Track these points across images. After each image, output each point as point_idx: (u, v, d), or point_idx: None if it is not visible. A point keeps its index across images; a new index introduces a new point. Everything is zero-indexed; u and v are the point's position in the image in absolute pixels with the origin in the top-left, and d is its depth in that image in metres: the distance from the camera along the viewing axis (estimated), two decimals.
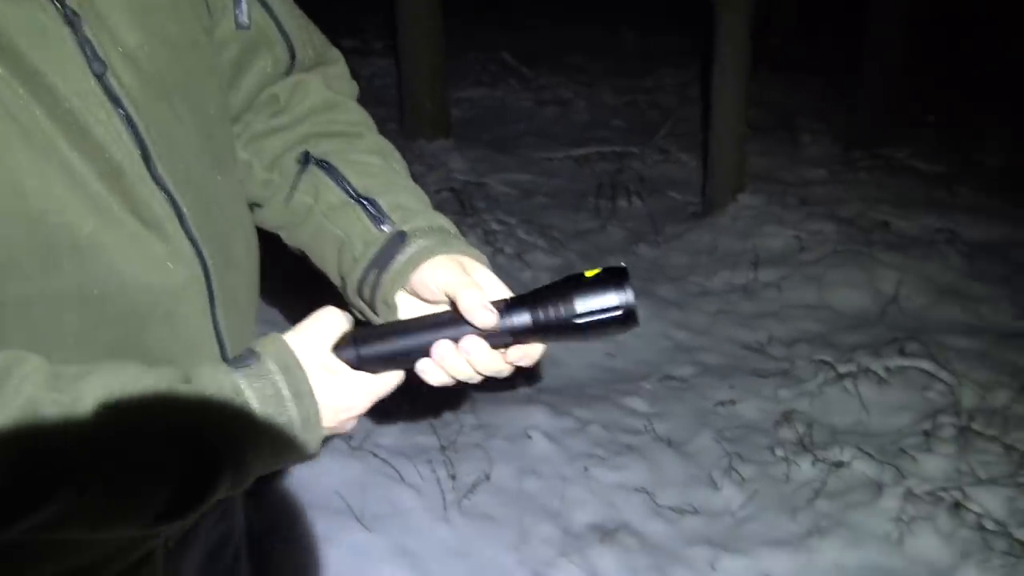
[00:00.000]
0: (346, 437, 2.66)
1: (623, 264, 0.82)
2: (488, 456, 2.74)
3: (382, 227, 0.93)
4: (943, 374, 3.11)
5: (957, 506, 2.57)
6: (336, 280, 1.00)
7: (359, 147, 1.01)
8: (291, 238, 1.04)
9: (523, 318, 0.80)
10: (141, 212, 0.78)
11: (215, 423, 0.72)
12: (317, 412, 0.77)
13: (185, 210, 0.82)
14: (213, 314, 0.87)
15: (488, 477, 2.65)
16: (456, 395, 3.00)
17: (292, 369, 0.76)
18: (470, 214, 4.46)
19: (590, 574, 2.39)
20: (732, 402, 3.20)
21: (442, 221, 0.95)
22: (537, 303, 0.80)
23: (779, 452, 2.91)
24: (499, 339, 0.81)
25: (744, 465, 2.86)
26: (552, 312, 0.79)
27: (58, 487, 0.66)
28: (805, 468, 2.84)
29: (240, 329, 0.92)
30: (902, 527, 2.55)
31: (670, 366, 3.47)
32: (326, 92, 1.04)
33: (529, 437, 2.87)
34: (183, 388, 0.72)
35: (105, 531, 0.73)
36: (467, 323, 0.80)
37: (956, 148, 5.66)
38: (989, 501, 2.54)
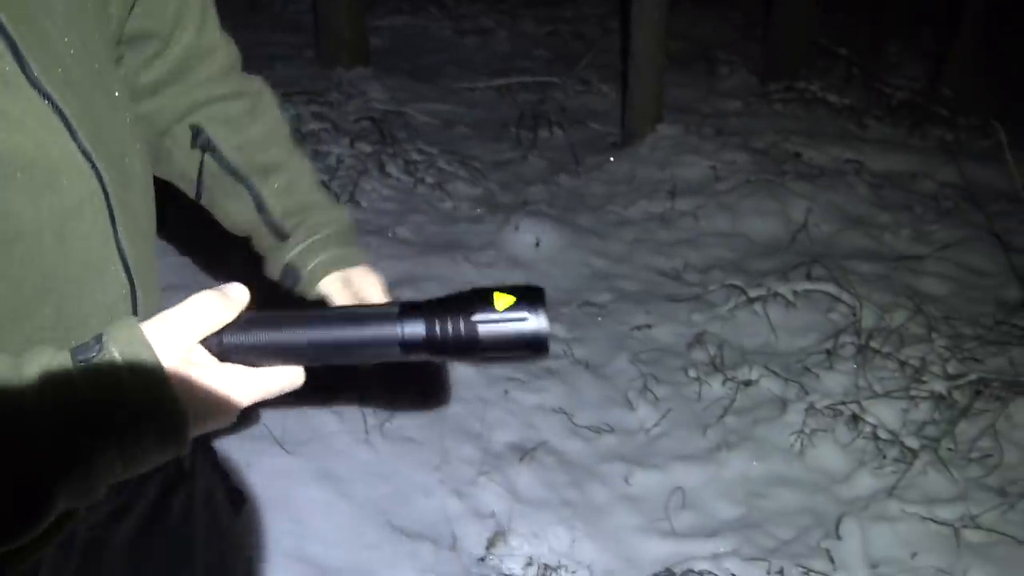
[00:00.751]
0: None
1: (540, 287, 0.73)
2: (409, 381, 2.77)
3: (282, 238, 1.09)
4: (846, 296, 3.26)
5: (855, 418, 2.73)
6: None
7: (257, 124, 1.10)
8: (193, 196, 1.10)
9: (417, 329, 0.70)
10: (25, 120, 0.72)
11: (47, 429, 0.61)
12: (174, 411, 0.65)
13: (71, 119, 0.76)
14: (115, 234, 0.82)
15: (409, 402, 2.69)
16: None
17: (143, 362, 0.64)
18: (390, 144, 4.40)
19: (510, 491, 2.47)
20: (648, 326, 3.29)
21: (328, 222, 1.10)
22: (435, 314, 0.70)
23: (691, 373, 3.03)
24: (389, 351, 0.71)
25: (658, 386, 2.97)
26: (451, 329, 0.69)
27: None
28: (716, 387, 2.96)
29: (144, 254, 0.88)
30: (804, 439, 2.70)
31: (589, 293, 3.53)
32: (225, 56, 1.09)
33: (448, 363, 2.90)
34: (10, 382, 0.61)
35: None
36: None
37: (866, 82, 5.82)
38: (884, 413, 2.70)
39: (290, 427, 2.45)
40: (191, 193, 1.10)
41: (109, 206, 0.81)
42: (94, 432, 0.62)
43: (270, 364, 0.71)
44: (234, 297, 0.71)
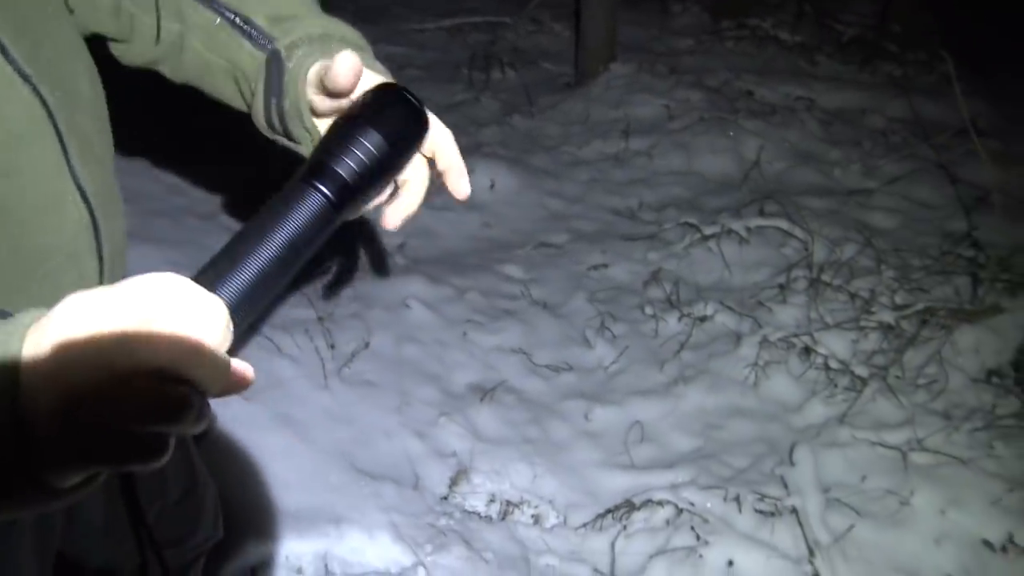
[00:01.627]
0: None
1: (389, 82, 0.77)
2: (367, 326, 2.76)
3: (265, 48, 0.85)
4: (798, 232, 3.30)
5: (807, 350, 2.79)
6: (247, 110, 0.92)
7: None
8: (174, 73, 0.95)
9: (336, 178, 0.68)
10: None
11: None
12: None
13: (3, 39, 0.71)
14: (68, 162, 0.77)
15: (367, 345, 2.68)
16: (332, 268, 2.97)
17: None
18: None
19: (471, 430, 2.49)
20: (604, 266, 3.31)
21: (322, 26, 0.86)
22: (336, 154, 0.69)
23: (648, 310, 3.06)
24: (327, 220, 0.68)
25: (615, 324, 3.00)
26: (357, 151, 0.69)
27: None
28: (672, 324, 3.00)
29: (102, 181, 0.84)
30: (758, 371, 2.76)
31: (545, 234, 3.53)
32: None
33: (407, 306, 2.89)
34: None
35: None
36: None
37: (816, 19, 5.81)
38: (835, 344, 2.77)
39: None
40: (168, 66, 0.96)
41: (57, 132, 0.75)
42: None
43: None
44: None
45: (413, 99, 0.75)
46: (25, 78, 0.72)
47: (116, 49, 0.97)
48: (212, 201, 3.33)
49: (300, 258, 0.66)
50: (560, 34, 5.54)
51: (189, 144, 3.31)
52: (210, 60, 0.88)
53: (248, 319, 0.63)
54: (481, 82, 4.84)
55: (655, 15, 5.82)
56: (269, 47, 0.84)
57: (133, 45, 0.93)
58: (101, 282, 0.85)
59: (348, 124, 0.71)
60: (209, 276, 0.62)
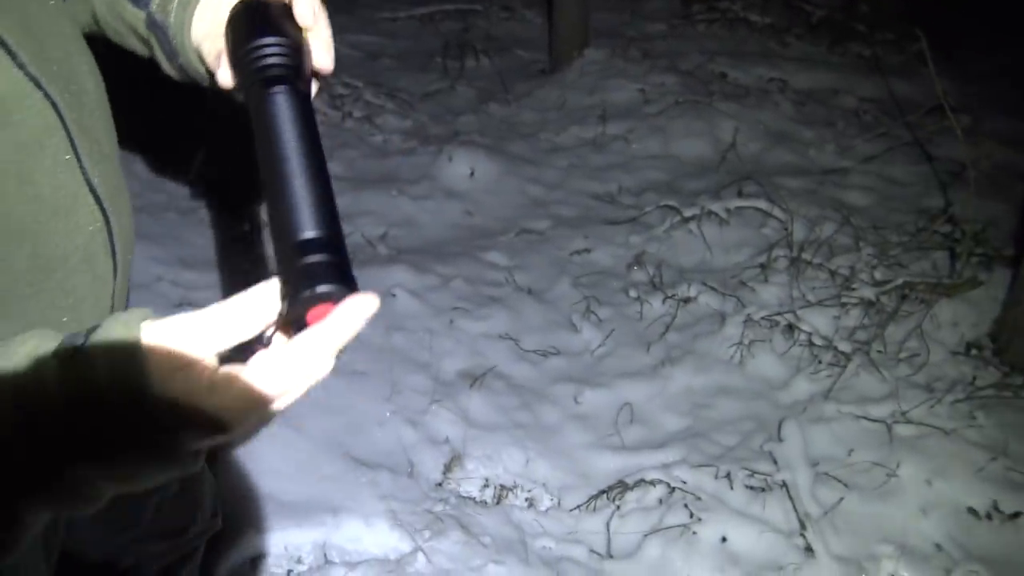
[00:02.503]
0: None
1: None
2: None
3: (140, 8, 0.85)
4: (777, 212, 3.34)
5: (790, 327, 2.83)
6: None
7: None
8: (112, 40, 0.94)
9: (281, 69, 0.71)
10: None
11: (14, 441, 0.54)
12: (160, 429, 0.55)
13: (12, 44, 0.69)
14: (80, 164, 0.76)
15: (356, 336, 2.67)
16: None
17: (126, 374, 0.55)
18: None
19: (462, 417, 2.50)
20: (587, 250, 3.32)
21: None
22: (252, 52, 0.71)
23: (632, 293, 3.08)
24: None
25: (601, 307, 3.02)
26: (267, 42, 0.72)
27: None
28: (656, 306, 3.02)
29: (111, 179, 0.82)
30: (743, 350, 2.79)
31: (526, 220, 3.54)
32: None
33: (393, 295, 2.89)
34: None
35: None
36: None
37: (786, 1, 5.86)
38: (817, 321, 2.81)
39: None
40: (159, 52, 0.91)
41: (68, 134, 0.74)
42: (66, 447, 0.54)
43: None
44: (261, 311, 0.59)
45: None
46: (36, 82, 0.71)
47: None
48: (191, 195, 3.30)
49: (320, 148, 0.67)
50: (532, 21, 5.53)
51: (166, 138, 3.28)
52: (114, 25, 0.89)
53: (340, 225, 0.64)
54: (456, 70, 4.82)
55: (626, 0, 5.83)
56: (146, 7, 0.85)
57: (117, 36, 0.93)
58: (115, 281, 0.84)
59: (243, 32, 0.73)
60: (292, 231, 0.61)
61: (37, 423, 0.54)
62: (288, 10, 0.76)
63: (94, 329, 0.56)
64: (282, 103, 0.66)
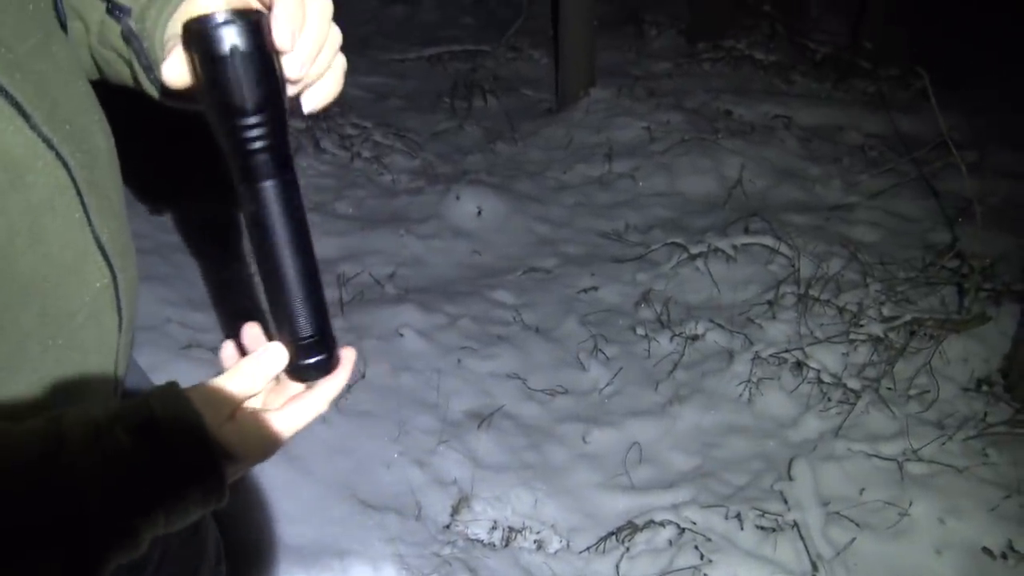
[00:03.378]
0: (214, 347, 2.60)
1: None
2: (361, 356, 2.76)
3: (120, 17, 0.78)
4: (784, 248, 3.34)
5: (799, 365, 2.82)
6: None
7: None
8: (106, 73, 0.87)
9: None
10: None
11: (98, 502, 0.60)
12: (217, 471, 0.66)
13: (25, 104, 0.68)
14: (89, 222, 0.75)
15: (363, 376, 2.68)
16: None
17: (188, 425, 0.65)
18: (323, 118, 4.33)
19: (470, 457, 2.49)
20: (594, 288, 3.33)
21: None
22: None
23: (640, 331, 3.08)
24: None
25: (608, 345, 3.01)
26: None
27: None
28: (664, 343, 3.02)
29: (118, 235, 0.82)
30: (752, 388, 2.78)
31: (534, 259, 3.56)
32: None
33: (401, 335, 2.90)
34: (55, 456, 0.60)
35: None
36: None
37: (789, 38, 5.92)
38: (826, 357, 2.80)
39: None
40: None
41: (79, 194, 0.74)
42: (143, 501, 0.63)
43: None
44: (270, 367, 0.72)
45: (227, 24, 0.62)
46: (48, 143, 0.70)
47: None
48: (200, 237, 3.32)
49: (307, 229, 0.71)
50: (539, 61, 5.60)
51: (176, 180, 3.31)
52: (104, 54, 0.82)
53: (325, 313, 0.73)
54: (463, 110, 4.88)
55: (631, 39, 5.90)
56: (124, 18, 0.78)
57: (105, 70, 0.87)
58: (119, 335, 0.85)
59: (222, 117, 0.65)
60: (288, 335, 0.72)
61: (120, 486, 0.61)
62: (260, 25, 0.63)
63: (145, 403, 0.65)
64: (271, 197, 0.68)
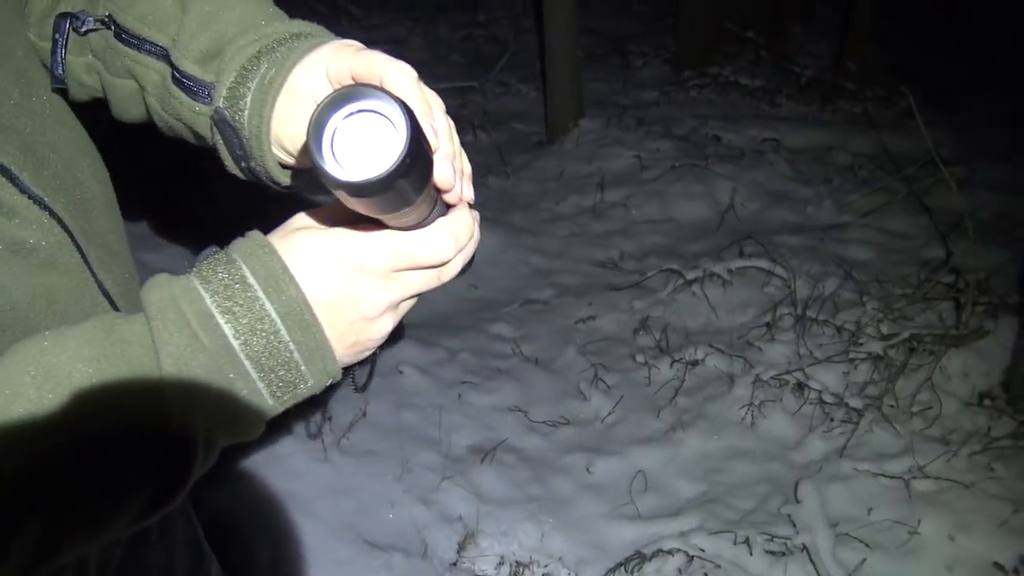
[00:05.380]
0: None
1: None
2: (362, 395, 2.75)
3: (202, 102, 0.72)
4: (779, 270, 3.35)
5: (800, 386, 2.81)
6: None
7: None
8: (163, 129, 0.82)
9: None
10: None
11: (179, 380, 0.58)
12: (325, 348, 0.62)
13: (13, 168, 0.68)
14: (93, 274, 0.74)
15: (364, 414, 2.66)
16: None
17: (277, 273, 0.60)
18: None
19: (475, 493, 2.47)
20: (592, 317, 3.33)
21: (256, 40, 0.71)
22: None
23: (639, 358, 3.08)
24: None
25: (608, 374, 3.01)
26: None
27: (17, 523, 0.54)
28: (664, 370, 3.02)
29: (122, 277, 0.81)
30: (754, 411, 2.77)
31: (530, 291, 3.56)
32: None
33: (401, 372, 2.89)
34: (119, 338, 0.58)
35: (92, 543, 0.60)
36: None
37: (774, 63, 5.99)
38: (826, 377, 2.79)
39: (247, 451, 2.41)
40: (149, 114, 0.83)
41: (78, 246, 0.73)
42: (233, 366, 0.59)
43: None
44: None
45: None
46: (39, 203, 0.70)
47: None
48: None
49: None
50: (527, 95, 5.65)
51: (186, 213, 3.32)
52: (169, 122, 0.77)
53: None
54: None
55: (618, 70, 5.96)
56: (210, 102, 0.71)
57: (112, 106, 0.83)
58: None
59: None
60: None
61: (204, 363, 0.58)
62: (429, 161, 0.58)
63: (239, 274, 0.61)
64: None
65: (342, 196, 0.54)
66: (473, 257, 0.71)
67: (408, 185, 0.54)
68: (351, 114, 0.54)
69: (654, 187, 4.22)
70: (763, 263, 3.41)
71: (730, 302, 3.32)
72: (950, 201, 3.64)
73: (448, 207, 0.67)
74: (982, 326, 2.86)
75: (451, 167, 0.64)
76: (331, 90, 0.61)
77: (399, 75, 0.64)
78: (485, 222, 3.87)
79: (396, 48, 6.48)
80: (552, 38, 4.68)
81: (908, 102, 3.51)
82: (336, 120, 0.54)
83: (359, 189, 0.52)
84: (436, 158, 0.61)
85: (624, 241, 3.89)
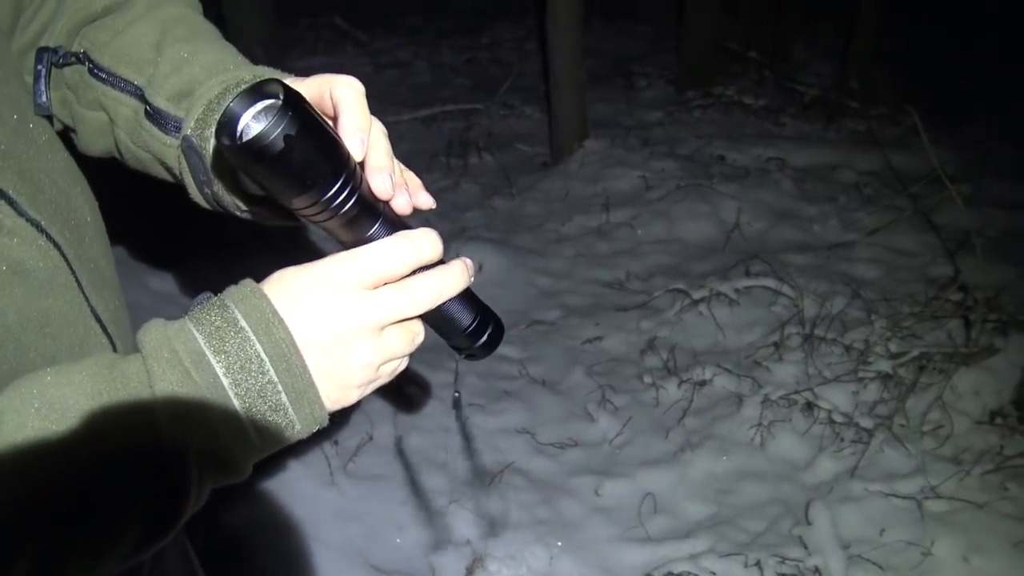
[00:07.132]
0: None
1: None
2: (368, 418, 2.74)
3: (172, 135, 0.77)
4: (786, 289, 3.34)
5: (809, 406, 2.79)
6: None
7: (127, 17, 0.82)
8: (126, 163, 0.87)
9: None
10: None
11: (172, 412, 0.59)
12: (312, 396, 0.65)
13: (11, 192, 0.69)
14: (86, 298, 0.76)
15: (371, 438, 2.65)
16: None
17: (270, 322, 0.63)
18: None
19: (483, 516, 2.45)
20: (599, 338, 3.32)
21: (221, 82, 0.77)
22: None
23: (647, 379, 3.06)
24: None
25: (616, 395, 2.99)
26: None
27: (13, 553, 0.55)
28: (672, 391, 3.00)
29: (112, 302, 0.83)
30: (763, 431, 2.75)
31: (537, 311, 3.55)
32: None
33: (407, 395, 2.88)
34: (120, 374, 0.59)
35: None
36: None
37: (777, 82, 6.01)
38: (836, 397, 2.77)
39: (254, 476, 2.40)
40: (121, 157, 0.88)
41: (72, 270, 0.74)
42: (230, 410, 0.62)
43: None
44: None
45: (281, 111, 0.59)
46: (36, 226, 0.71)
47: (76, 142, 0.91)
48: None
49: None
50: (532, 116, 5.68)
51: (177, 249, 3.33)
52: (139, 155, 0.82)
53: None
54: (460, 168, 4.92)
55: (622, 91, 5.99)
56: (179, 134, 0.77)
57: (79, 137, 0.87)
58: None
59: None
60: None
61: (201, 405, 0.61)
62: (331, 139, 0.63)
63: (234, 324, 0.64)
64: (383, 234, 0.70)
65: (248, 168, 0.60)
66: (495, 332, 0.78)
67: (303, 153, 0.59)
68: (260, 111, 0.60)
69: (659, 207, 4.22)
70: (770, 282, 3.40)
71: (737, 322, 3.31)
72: (957, 218, 3.63)
73: (403, 222, 0.72)
74: (992, 344, 2.84)
75: (388, 179, 0.69)
76: None
77: (343, 86, 0.69)
78: (491, 243, 3.90)
79: (401, 72, 6.53)
80: (556, 60, 4.70)
81: (912, 120, 3.51)
82: (246, 118, 0.60)
83: (249, 148, 0.57)
84: (371, 170, 0.68)
85: (630, 261, 3.88)
